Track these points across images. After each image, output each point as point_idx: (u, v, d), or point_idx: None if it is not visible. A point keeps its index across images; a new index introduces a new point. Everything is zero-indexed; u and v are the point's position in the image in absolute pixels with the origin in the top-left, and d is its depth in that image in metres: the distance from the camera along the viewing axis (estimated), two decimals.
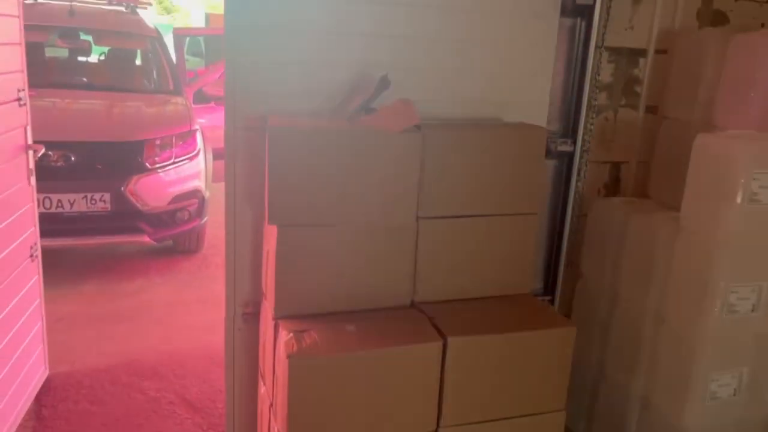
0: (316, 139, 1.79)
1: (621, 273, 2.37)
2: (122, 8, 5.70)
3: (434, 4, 2.14)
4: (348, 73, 2.08)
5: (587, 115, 2.43)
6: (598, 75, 2.43)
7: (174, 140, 4.18)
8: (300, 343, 1.70)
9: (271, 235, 1.88)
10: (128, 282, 4.16)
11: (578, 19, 2.38)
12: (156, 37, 5.41)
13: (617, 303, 2.40)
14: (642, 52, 2.56)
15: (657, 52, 2.55)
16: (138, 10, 5.85)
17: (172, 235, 4.23)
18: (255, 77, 2.02)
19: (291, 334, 1.73)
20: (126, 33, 5.43)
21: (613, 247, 2.40)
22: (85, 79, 5.04)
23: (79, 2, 5.77)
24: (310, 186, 1.81)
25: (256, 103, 2.02)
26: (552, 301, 2.59)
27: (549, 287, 2.60)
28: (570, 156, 2.47)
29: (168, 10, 20.20)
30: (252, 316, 2.18)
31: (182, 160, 4.19)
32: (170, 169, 4.13)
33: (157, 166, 4.07)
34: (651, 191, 2.55)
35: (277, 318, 1.85)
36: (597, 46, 2.37)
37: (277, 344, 1.82)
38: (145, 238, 4.03)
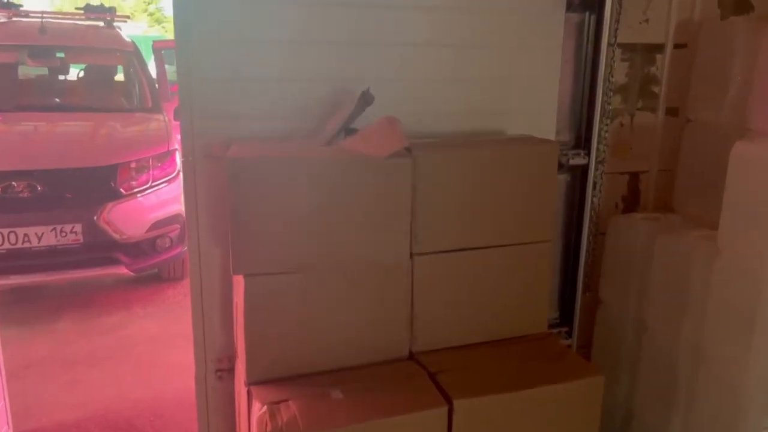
0: (286, 170, 1.50)
1: (648, 300, 2.08)
2: (100, 23, 5.42)
3: (421, 5, 1.85)
4: (324, 89, 1.79)
5: (601, 122, 2.14)
6: (612, 76, 2.13)
7: (151, 162, 3.89)
8: (275, 420, 1.40)
9: (238, 285, 1.59)
10: (107, 316, 3.87)
11: (587, 14, 2.09)
12: (133, 51, 5.12)
13: (645, 335, 2.10)
14: (659, 48, 2.26)
15: (676, 46, 2.25)
16: (121, 24, 5.56)
17: (153, 264, 3.93)
18: (215, 96, 1.73)
19: (264, 408, 1.44)
20: (100, 49, 5.13)
21: (638, 271, 2.11)
22: (57, 100, 4.75)
23: (54, 19, 5.51)
24: (282, 226, 1.51)
25: (218, 127, 1.74)
26: (569, 333, 2.30)
27: (565, 316, 2.30)
28: (583, 169, 2.18)
29: (159, 21, 19.93)
30: (227, 373, 1.89)
31: (160, 184, 3.90)
32: (148, 193, 3.84)
33: (134, 191, 3.78)
34: (676, 204, 2.26)
35: (250, 384, 1.55)
36: (609, 44, 2.08)
37: (250, 417, 1.52)
38: (123, 270, 3.74)
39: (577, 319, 2.27)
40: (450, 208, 1.68)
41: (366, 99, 1.66)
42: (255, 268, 1.51)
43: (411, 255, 1.65)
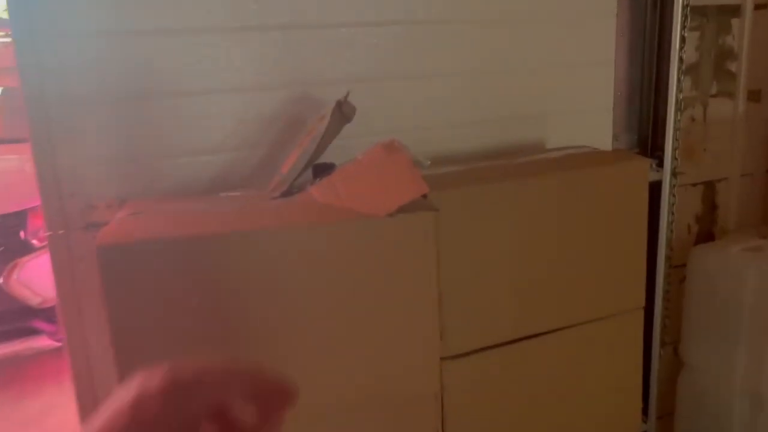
0: (212, 257, 0.82)
1: (765, 366, 1.46)
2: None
3: None
4: (275, 100, 1.11)
5: (675, 118, 1.51)
6: (683, 52, 1.51)
7: None
8: None
9: None
10: (33, 399, 3.10)
11: None
12: None
13: (763, 414, 1.48)
14: (734, 10, 1.65)
15: (757, 7, 1.65)
16: None
17: None
18: (91, 126, 1.04)
19: None
20: (12, 68, 4.34)
21: (745, 324, 1.49)
22: None
23: None
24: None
25: (104, 177, 1.05)
26: (645, 410, 1.67)
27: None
28: (653, 186, 1.55)
29: None
30: None
31: None
32: None
33: None
34: None
35: None
36: (683, 6, 1.45)
37: None
38: (46, 341, 2.99)
39: (654, 392, 1.64)
40: (495, 277, 1.03)
41: (344, 112, 0.99)
42: None
43: (440, 361, 0.99)
